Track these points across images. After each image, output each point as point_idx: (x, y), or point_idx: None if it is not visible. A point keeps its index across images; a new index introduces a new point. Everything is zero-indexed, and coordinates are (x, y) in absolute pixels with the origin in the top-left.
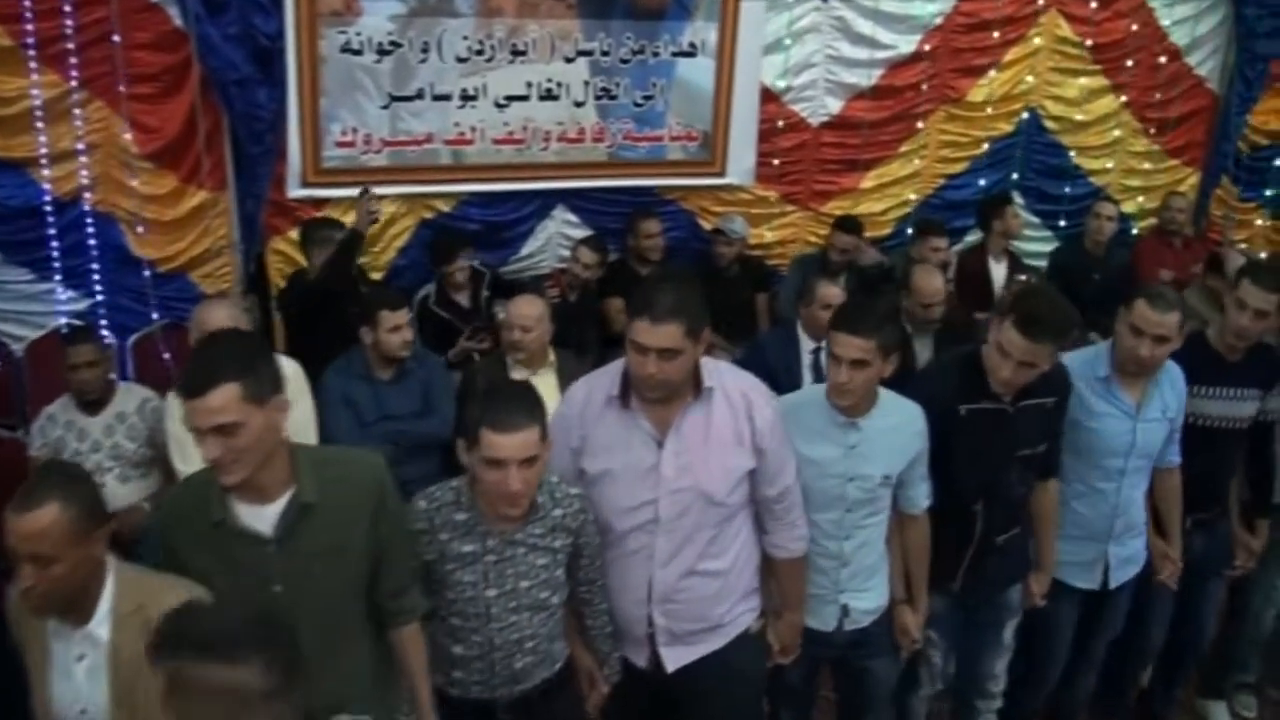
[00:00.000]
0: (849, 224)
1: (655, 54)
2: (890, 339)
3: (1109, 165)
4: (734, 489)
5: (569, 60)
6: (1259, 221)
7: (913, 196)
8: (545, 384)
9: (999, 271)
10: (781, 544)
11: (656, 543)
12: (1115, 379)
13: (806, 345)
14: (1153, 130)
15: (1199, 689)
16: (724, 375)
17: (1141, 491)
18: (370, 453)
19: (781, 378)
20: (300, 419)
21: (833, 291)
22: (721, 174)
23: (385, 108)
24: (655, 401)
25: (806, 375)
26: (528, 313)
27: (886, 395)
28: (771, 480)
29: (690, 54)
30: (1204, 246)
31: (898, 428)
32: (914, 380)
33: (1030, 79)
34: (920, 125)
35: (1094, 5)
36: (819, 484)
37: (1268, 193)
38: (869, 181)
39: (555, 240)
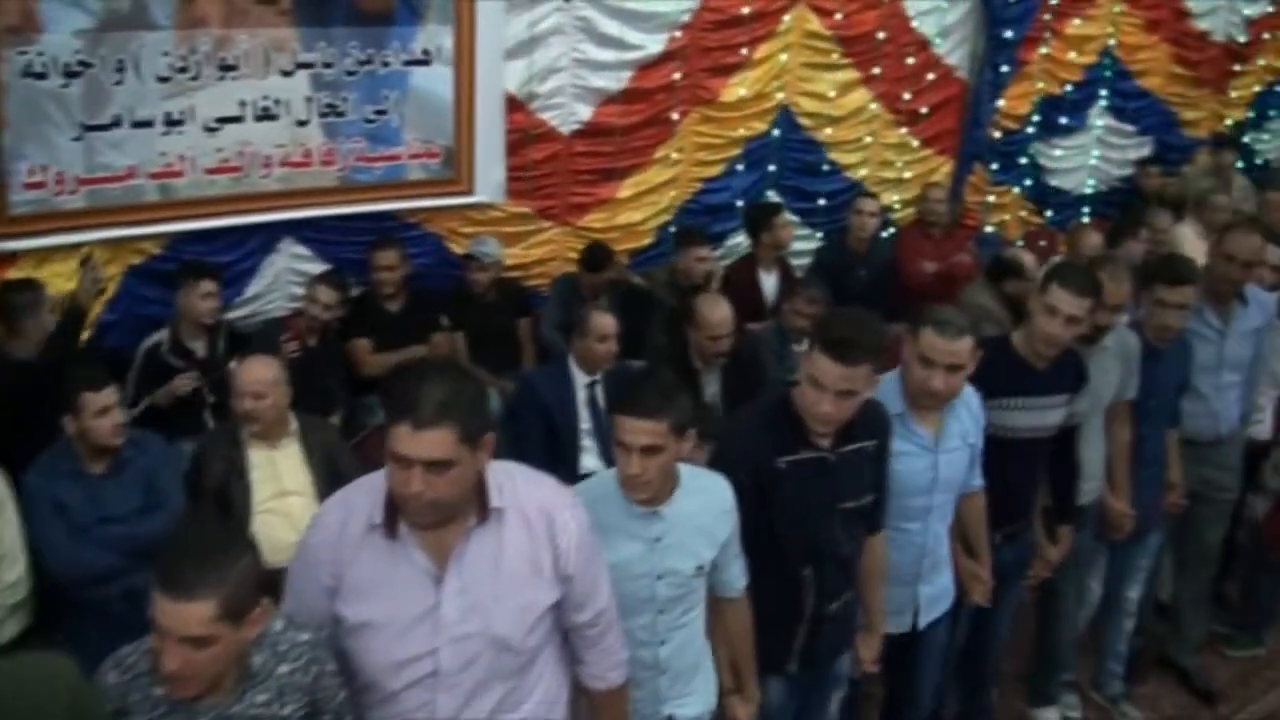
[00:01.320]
0: (596, 261)
1: (385, 63)
2: (683, 415)
3: (864, 159)
4: (533, 629)
5: (287, 74)
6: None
7: (671, 203)
8: (288, 459)
9: (770, 282)
10: (599, 674)
11: (438, 701)
12: (909, 413)
13: (581, 380)
14: (904, 123)
15: (1029, 699)
16: (519, 488)
17: (948, 525)
18: (51, 659)
19: (557, 418)
20: (6, 538)
21: (606, 322)
22: (468, 192)
23: (78, 139)
24: (428, 527)
25: (583, 412)
26: (260, 377)
27: (687, 473)
28: (582, 605)
29: (424, 62)
30: (963, 234)
31: (706, 507)
32: (721, 438)
33: (782, 76)
34: (675, 128)
35: None
36: (624, 587)
37: (1026, 181)
38: (626, 190)
39: (285, 278)
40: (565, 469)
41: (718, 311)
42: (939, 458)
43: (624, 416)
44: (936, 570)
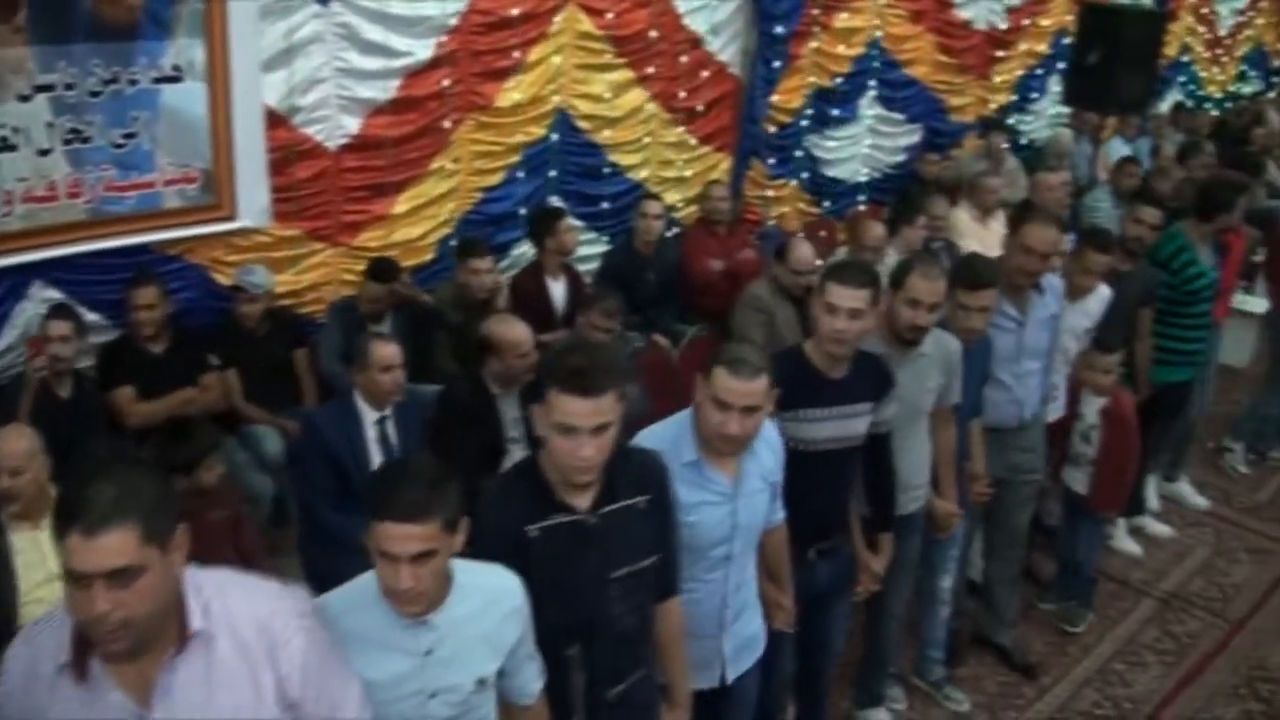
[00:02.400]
0: (382, 270)
1: (133, 82)
2: (452, 508)
3: (645, 160)
4: None
5: (24, 99)
6: (803, 206)
7: (451, 216)
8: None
9: (558, 290)
10: None
11: None
12: (704, 459)
13: (369, 416)
14: (681, 122)
15: (857, 699)
16: (231, 602)
17: (753, 568)
18: None
19: (345, 460)
20: None
21: (388, 351)
22: (231, 218)
23: None
24: (125, 658)
25: (373, 450)
26: (14, 449)
27: (463, 570)
28: None
29: (175, 78)
30: (746, 230)
31: (487, 609)
32: (476, 510)
33: (557, 79)
34: (449, 137)
35: None
36: (389, 710)
37: (803, 173)
38: (402, 205)
39: (39, 327)
40: (358, 516)
41: (516, 330)
42: (738, 504)
43: (385, 523)
44: (743, 618)
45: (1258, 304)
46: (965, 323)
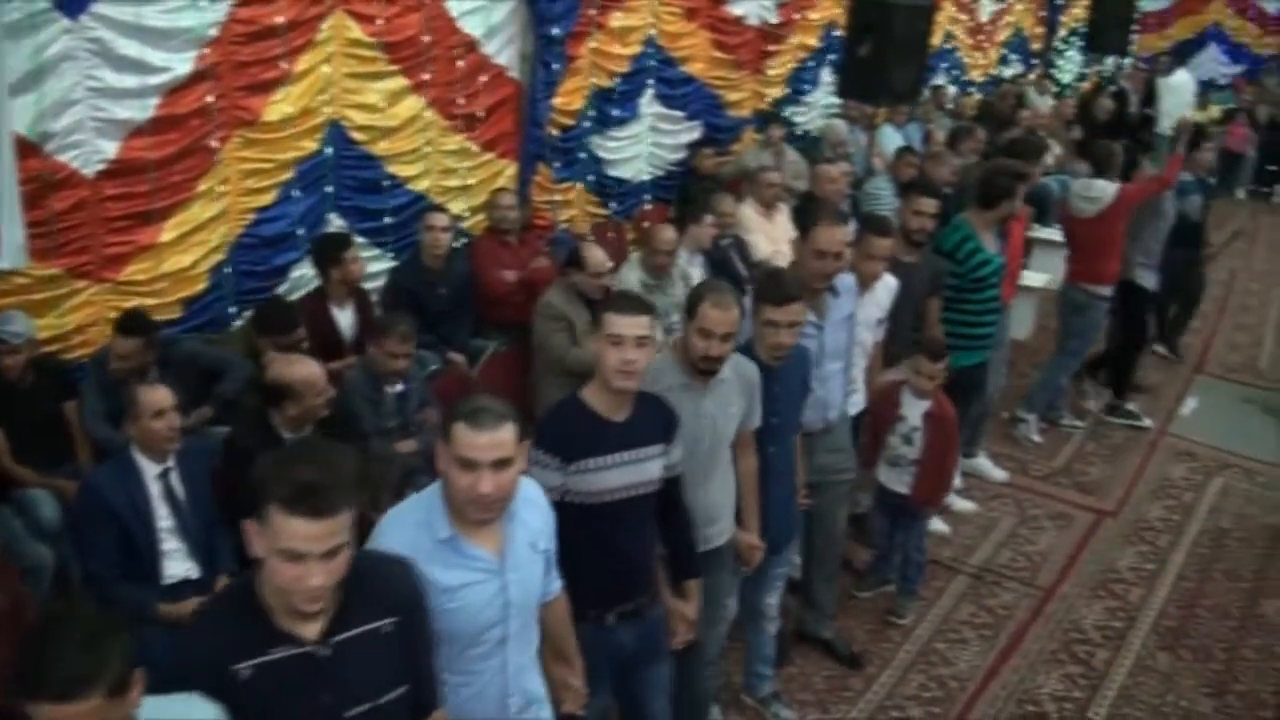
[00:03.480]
0: (133, 324)
1: None
2: (116, 669)
3: (425, 170)
4: None
5: None
6: (590, 208)
7: (223, 240)
8: None
9: (345, 317)
10: None
11: None
12: (461, 534)
13: (151, 470)
14: (462, 129)
15: None
16: None
17: (534, 648)
18: None
19: (129, 521)
20: None
21: (157, 396)
22: None
23: None
24: None
25: (159, 508)
26: None
27: (152, 706)
28: None
29: None
30: (536, 237)
31: None
32: (168, 649)
33: (328, 89)
34: (216, 157)
35: (380, 1)
36: None
37: (588, 175)
38: (169, 233)
39: None
40: (147, 580)
41: (308, 369)
42: (508, 578)
43: (40, 704)
44: (529, 708)
45: (1036, 278)
46: (774, 339)
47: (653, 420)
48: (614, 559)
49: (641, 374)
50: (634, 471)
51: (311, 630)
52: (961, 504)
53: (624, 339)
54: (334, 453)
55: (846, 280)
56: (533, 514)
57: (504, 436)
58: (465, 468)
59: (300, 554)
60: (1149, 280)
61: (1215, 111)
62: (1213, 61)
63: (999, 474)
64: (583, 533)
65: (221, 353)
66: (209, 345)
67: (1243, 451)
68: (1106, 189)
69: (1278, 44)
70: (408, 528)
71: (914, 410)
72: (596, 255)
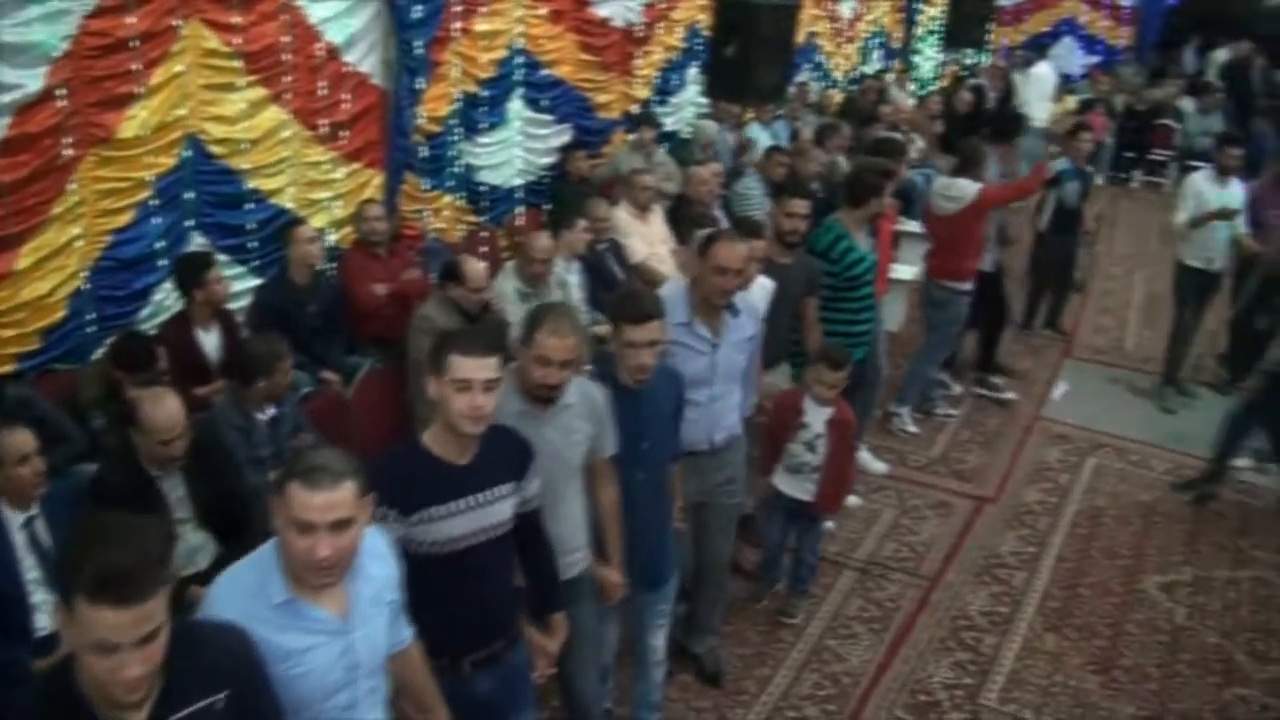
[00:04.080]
0: None
1: None
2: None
3: (289, 183)
4: None
5: None
6: (461, 217)
7: (81, 265)
8: None
9: (210, 340)
10: None
11: None
12: (300, 598)
13: (15, 520)
14: (325, 139)
15: None
16: None
17: (381, 709)
18: None
19: None
20: None
21: (18, 440)
22: None
23: None
24: None
25: (25, 558)
26: None
27: None
28: None
29: None
30: (406, 248)
31: None
32: None
33: (185, 102)
34: (70, 177)
35: (237, 10)
36: None
37: (458, 183)
38: (25, 259)
39: None
40: (17, 636)
41: (162, 409)
42: (354, 638)
43: None
44: None
45: (905, 271)
46: (635, 360)
47: (501, 458)
48: (466, 606)
49: (489, 419)
50: (482, 516)
51: (136, 717)
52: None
53: (471, 383)
54: (139, 530)
55: (752, 301)
56: (377, 566)
57: (342, 496)
58: (302, 530)
59: (112, 645)
60: (987, 263)
61: (1072, 102)
62: (1069, 53)
63: (879, 466)
64: (432, 581)
65: (62, 420)
66: (56, 409)
67: (1114, 431)
68: (968, 189)
69: (1131, 35)
70: (240, 594)
71: (817, 417)
72: (476, 268)
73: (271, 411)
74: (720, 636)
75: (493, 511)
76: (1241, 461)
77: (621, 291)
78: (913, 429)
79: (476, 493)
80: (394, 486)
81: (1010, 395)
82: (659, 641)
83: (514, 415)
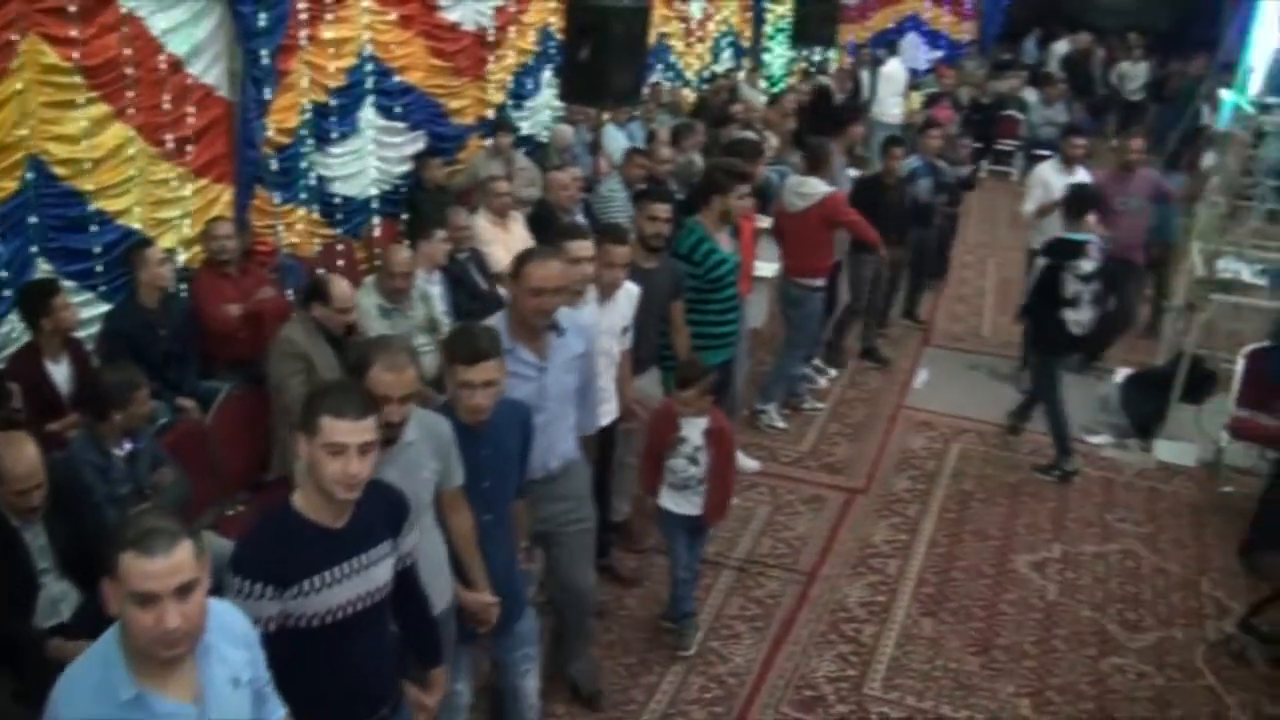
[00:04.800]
0: None
1: None
2: None
3: (136, 202)
4: None
5: None
6: (316, 230)
7: None
8: None
9: (61, 372)
10: None
11: None
12: (147, 689)
13: None
14: (171, 155)
15: None
16: None
17: None
18: None
19: None
20: None
21: None
22: None
23: None
24: None
25: None
26: None
27: None
28: None
29: None
30: (259, 265)
31: None
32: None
33: (24, 121)
34: None
35: (75, 22)
36: None
37: (311, 195)
38: None
39: None
40: None
41: (20, 458)
42: None
43: None
44: None
45: (767, 268)
46: (470, 401)
47: (377, 513)
48: (348, 678)
49: (365, 482)
50: (363, 581)
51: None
52: None
53: (346, 448)
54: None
55: (580, 317)
56: (231, 646)
57: (181, 558)
58: (144, 603)
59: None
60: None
61: (916, 99)
62: (914, 49)
63: (751, 464)
64: (310, 656)
65: None
66: None
67: (976, 415)
68: (819, 187)
69: (974, 29)
70: (84, 694)
71: (694, 430)
72: (342, 288)
73: (129, 446)
74: (601, 648)
75: (373, 575)
76: (1100, 439)
77: (454, 329)
78: (781, 424)
79: (356, 555)
80: (267, 561)
81: (832, 372)
82: (530, 684)
83: None
